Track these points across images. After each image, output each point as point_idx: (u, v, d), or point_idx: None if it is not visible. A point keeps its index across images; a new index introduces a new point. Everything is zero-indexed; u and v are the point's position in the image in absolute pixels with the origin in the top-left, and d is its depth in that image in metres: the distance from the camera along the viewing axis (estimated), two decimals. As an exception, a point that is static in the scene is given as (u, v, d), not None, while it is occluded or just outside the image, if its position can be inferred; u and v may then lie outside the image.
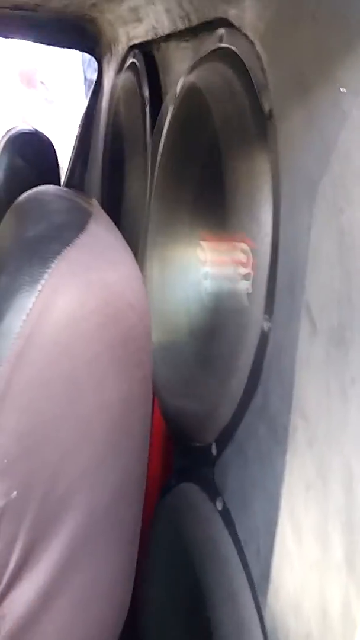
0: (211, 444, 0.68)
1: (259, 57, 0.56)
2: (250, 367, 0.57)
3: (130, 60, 1.17)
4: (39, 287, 0.42)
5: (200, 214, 0.78)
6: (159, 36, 0.95)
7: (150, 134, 1.00)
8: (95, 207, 0.54)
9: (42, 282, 0.42)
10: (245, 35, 0.59)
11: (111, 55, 1.36)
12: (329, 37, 0.44)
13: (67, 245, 0.44)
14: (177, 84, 0.81)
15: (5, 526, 0.44)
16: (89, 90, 1.62)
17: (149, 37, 1.02)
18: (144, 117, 1.04)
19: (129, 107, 1.15)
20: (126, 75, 1.19)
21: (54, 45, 1.45)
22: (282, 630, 0.49)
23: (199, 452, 0.71)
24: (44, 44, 1.44)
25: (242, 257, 0.66)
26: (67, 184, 1.65)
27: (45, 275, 0.42)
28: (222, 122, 0.68)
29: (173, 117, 0.79)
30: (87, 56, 1.53)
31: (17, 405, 0.43)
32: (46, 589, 0.45)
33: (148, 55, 1.07)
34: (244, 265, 0.66)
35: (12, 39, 1.44)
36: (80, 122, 1.62)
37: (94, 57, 1.48)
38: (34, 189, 0.55)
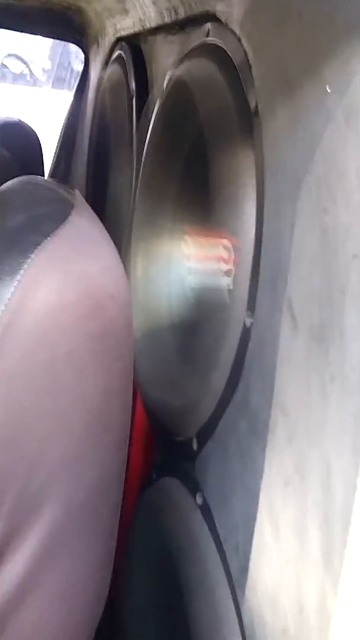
0: (192, 439, 0.68)
1: (245, 53, 0.56)
2: (232, 362, 0.57)
3: (117, 52, 1.17)
4: (18, 277, 0.42)
5: (184, 209, 0.78)
6: (146, 29, 0.95)
7: (136, 127, 1.00)
8: (78, 198, 0.54)
9: (22, 272, 0.42)
10: (232, 31, 0.59)
11: (98, 47, 1.35)
12: (315, 35, 0.44)
13: (48, 236, 0.44)
14: (163, 77, 0.81)
15: None
16: (75, 81, 1.61)
17: (136, 30, 1.01)
18: (130, 110, 1.03)
19: (115, 100, 1.14)
20: (113, 68, 1.18)
21: (41, 35, 1.44)
22: (259, 625, 0.49)
23: (180, 447, 0.72)
24: (30, 33, 1.43)
25: (224, 254, 0.67)
26: (52, 175, 1.65)
27: (25, 266, 0.42)
28: (208, 117, 0.68)
29: (159, 111, 0.79)
30: (75, 47, 1.52)
31: None
32: (22, 581, 0.45)
33: (135, 48, 1.06)
34: (225, 261, 0.66)
35: (-2, 28, 1.43)
36: (67, 114, 1.62)
37: (81, 48, 1.48)
38: (16, 179, 0.55)
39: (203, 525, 0.63)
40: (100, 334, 0.45)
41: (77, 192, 0.58)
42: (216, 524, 0.60)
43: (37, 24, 1.39)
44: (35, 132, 1.35)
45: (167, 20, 0.83)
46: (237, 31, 0.58)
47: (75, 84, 1.59)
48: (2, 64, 5.18)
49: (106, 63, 1.26)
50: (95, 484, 0.48)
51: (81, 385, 0.45)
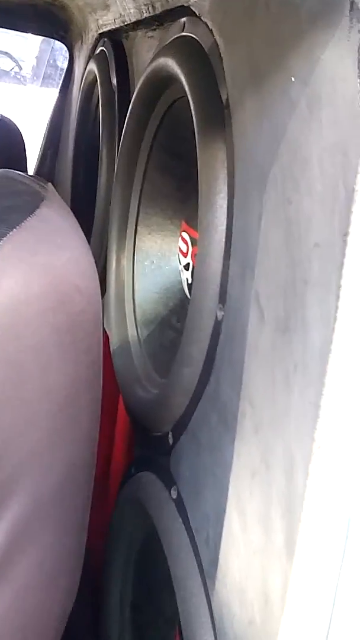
0: (168, 433, 0.68)
1: (217, 45, 0.56)
2: (204, 356, 0.57)
3: (100, 48, 1.17)
4: (-17, 269, 0.42)
5: (158, 202, 0.78)
6: (126, 24, 0.95)
7: (118, 122, 1.00)
8: (50, 191, 0.54)
9: (-14, 264, 0.42)
10: (205, 23, 0.59)
11: (82, 43, 1.35)
12: (281, 26, 0.44)
13: (14, 227, 0.44)
14: (144, 72, 0.81)
15: None
16: (60, 77, 1.61)
17: (117, 25, 1.01)
18: (112, 105, 1.03)
19: (98, 95, 1.14)
20: (96, 63, 1.18)
21: (24, 31, 1.44)
22: (228, 617, 0.49)
23: (157, 442, 0.71)
24: (13, 29, 1.43)
25: (183, 247, 0.67)
26: (38, 172, 1.64)
27: (-10, 258, 0.42)
28: (182, 110, 0.67)
29: (134, 104, 0.79)
30: (59, 43, 1.52)
31: None
32: None
33: (117, 44, 1.06)
34: (184, 254, 0.66)
35: (-19, 24, 1.42)
36: (52, 111, 1.61)
37: (65, 44, 1.47)
38: (-12, 173, 0.55)
39: (177, 518, 0.63)
40: (67, 326, 0.45)
41: (50, 185, 0.58)
42: (189, 517, 0.60)
43: (22, 20, 1.38)
44: (18, 128, 1.35)
45: (145, 15, 0.83)
46: (209, 24, 0.58)
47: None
48: (-8, 61, 5.17)
49: (89, 59, 1.25)
50: (63, 477, 0.48)
51: (47, 378, 0.44)
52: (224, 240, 0.54)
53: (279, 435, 0.41)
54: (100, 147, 1.15)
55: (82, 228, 0.54)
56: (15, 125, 1.34)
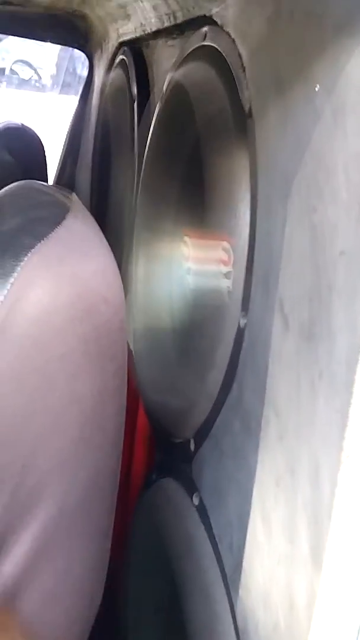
0: (190, 440, 0.69)
1: (239, 55, 0.57)
2: (227, 363, 0.58)
3: (120, 57, 1.17)
4: (12, 280, 0.43)
5: (184, 211, 0.79)
6: (147, 33, 0.96)
7: (137, 131, 1.00)
8: (75, 202, 0.55)
9: (15, 275, 0.43)
10: (227, 33, 0.60)
11: (102, 52, 1.36)
12: (305, 35, 0.45)
13: (42, 239, 0.45)
14: (164, 81, 0.82)
15: None
16: (79, 85, 1.62)
17: (138, 34, 1.02)
18: (132, 114, 1.04)
19: (118, 104, 1.15)
20: (116, 72, 1.19)
21: (45, 40, 1.45)
22: (252, 622, 0.49)
23: (178, 448, 0.72)
24: (35, 39, 1.44)
25: (223, 255, 0.67)
26: (57, 181, 1.66)
27: (18, 269, 0.43)
28: (205, 119, 0.68)
29: (159, 115, 0.80)
30: (78, 51, 1.53)
31: None
32: (16, 581, 0.46)
33: (137, 53, 1.07)
34: (225, 263, 0.66)
35: (2, 34, 1.44)
36: (71, 119, 1.62)
37: (85, 53, 1.49)
38: (14, 184, 0.56)
39: (200, 526, 0.63)
40: (93, 336, 0.45)
41: (74, 195, 0.58)
42: (212, 524, 0.60)
43: (42, 30, 1.40)
44: (38, 137, 1.36)
45: (166, 24, 0.83)
46: (232, 33, 0.59)
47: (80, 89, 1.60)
48: (11, 69, 5.22)
49: (109, 68, 1.26)
50: (89, 485, 0.48)
51: (74, 387, 0.45)
52: (247, 248, 0.54)
53: (304, 443, 0.41)
54: (118, 156, 1.16)
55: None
56: (35, 133, 1.35)
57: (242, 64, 0.56)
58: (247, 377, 0.54)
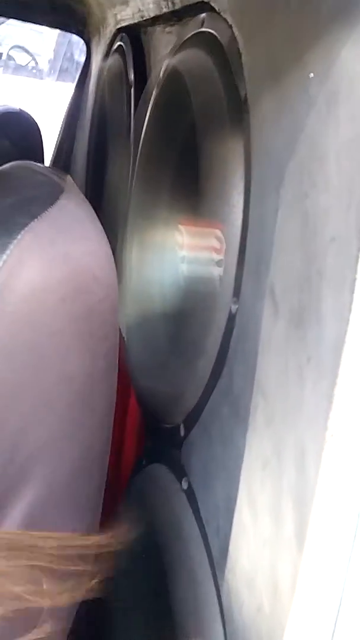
0: (180, 425, 0.69)
1: (236, 41, 0.57)
2: (217, 348, 0.58)
3: (118, 43, 1.17)
4: (4, 257, 0.43)
5: (179, 198, 0.79)
6: (144, 19, 0.96)
7: (133, 116, 1.00)
8: (69, 183, 0.55)
9: (7, 252, 0.43)
10: (225, 20, 0.60)
11: (99, 37, 1.35)
12: (301, 22, 0.45)
13: (35, 218, 0.45)
14: (161, 67, 0.82)
15: None
16: (77, 71, 1.61)
17: (136, 20, 1.02)
18: (128, 100, 1.04)
19: (115, 91, 1.15)
20: (113, 59, 1.19)
21: (43, 24, 1.45)
22: (237, 604, 0.50)
23: (168, 433, 0.72)
24: (33, 23, 1.44)
25: (216, 243, 0.67)
26: (53, 165, 1.65)
27: (10, 247, 0.43)
28: (200, 105, 0.68)
29: (154, 101, 0.80)
30: (76, 37, 1.52)
31: None
32: None
33: (135, 39, 1.07)
34: (217, 251, 0.67)
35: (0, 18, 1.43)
36: (68, 105, 1.62)
37: (83, 39, 1.48)
38: (9, 164, 0.56)
39: (188, 510, 0.64)
40: (84, 315, 0.46)
41: (68, 177, 0.58)
42: (199, 508, 0.61)
43: (40, 13, 1.39)
44: (35, 122, 1.36)
45: (164, 10, 0.83)
46: (229, 20, 0.59)
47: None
48: (8, 55, 5.20)
49: (107, 54, 1.26)
50: (78, 465, 0.49)
51: (65, 366, 0.45)
52: (239, 235, 0.55)
53: (291, 427, 0.42)
54: (114, 142, 1.16)
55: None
56: (33, 118, 1.35)
57: (239, 51, 0.56)
58: (237, 362, 0.54)
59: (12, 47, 5.13)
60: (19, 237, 0.44)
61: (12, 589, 0.44)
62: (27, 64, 5.30)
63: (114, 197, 1.10)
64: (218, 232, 0.67)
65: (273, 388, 0.46)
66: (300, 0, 0.45)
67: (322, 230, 0.40)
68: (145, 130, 0.82)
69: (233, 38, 0.58)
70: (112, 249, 0.50)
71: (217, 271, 0.67)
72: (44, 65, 5.27)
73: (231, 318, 0.56)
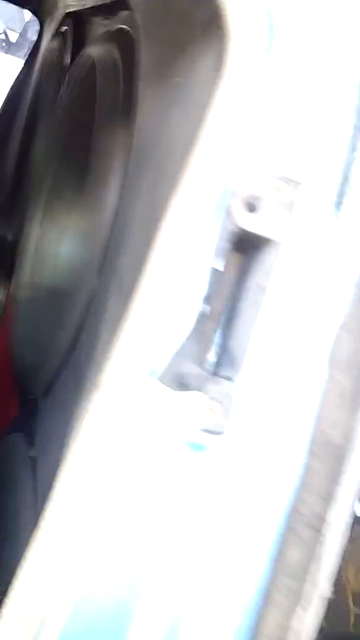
0: (39, 396, 0.72)
1: (139, 42, 0.60)
2: (77, 324, 0.61)
3: (64, 27, 1.19)
4: None
5: (74, 178, 0.81)
6: (85, 8, 0.98)
7: (59, 99, 1.02)
8: None
9: None
10: (136, 20, 0.63)
11: (52, 19, 1.37)
12: (182, 31, 0.48)
13: None
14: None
15: None
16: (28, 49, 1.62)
17: (80, 8, 1.04)
18: (59, 83, 1.06)
19: (52, 72, 1.17)
20: (57, 41, 1.21)
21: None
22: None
23: (30, 404, 0.75)
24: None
25: (90, 222, 0.70)
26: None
27: None
28: (102, 95, 0.71)
29: (70, 87, 0.82)
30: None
31: None
32: None
33: (78, 25, 1.09)
34: (90, 230, 0.69)
35: None
36: (14, 82, 1.62)
37: (38, 18, 1.49)
38: None
39: (29, 475, 0.66)
40: None
41: None
42: (37, 475, 0.64)
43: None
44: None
45: (99, 2, 0.86)
46: (139, 20, 0.62)
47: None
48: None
49: (55, 36, 1.28)
50: None
51: None
52: (110, 219, 0.58)
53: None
54: (44, 121, 1.18)
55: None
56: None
57: (139, 50, 0.60)
58: (88, 338, 0.57)
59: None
60: None
61: None
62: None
63: (34, 174, 1.11)
64: (94, 214, 0.71)
65: (104, 360, 0.49)
66: (182, 12, 0.49)
67: (159, 218, 0.43)
68: (61, 113, 0.85)
69: (138, 39, 0.61)
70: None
71: (87, 249, 0.69)
72: (14, 40, 5.19)
73: (92, 295, 0.59)
